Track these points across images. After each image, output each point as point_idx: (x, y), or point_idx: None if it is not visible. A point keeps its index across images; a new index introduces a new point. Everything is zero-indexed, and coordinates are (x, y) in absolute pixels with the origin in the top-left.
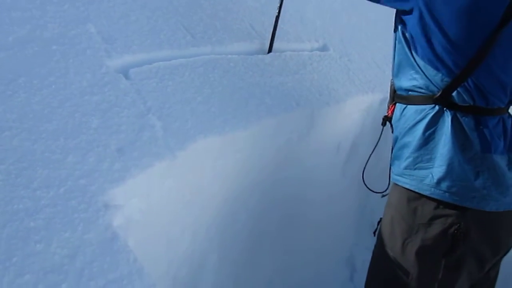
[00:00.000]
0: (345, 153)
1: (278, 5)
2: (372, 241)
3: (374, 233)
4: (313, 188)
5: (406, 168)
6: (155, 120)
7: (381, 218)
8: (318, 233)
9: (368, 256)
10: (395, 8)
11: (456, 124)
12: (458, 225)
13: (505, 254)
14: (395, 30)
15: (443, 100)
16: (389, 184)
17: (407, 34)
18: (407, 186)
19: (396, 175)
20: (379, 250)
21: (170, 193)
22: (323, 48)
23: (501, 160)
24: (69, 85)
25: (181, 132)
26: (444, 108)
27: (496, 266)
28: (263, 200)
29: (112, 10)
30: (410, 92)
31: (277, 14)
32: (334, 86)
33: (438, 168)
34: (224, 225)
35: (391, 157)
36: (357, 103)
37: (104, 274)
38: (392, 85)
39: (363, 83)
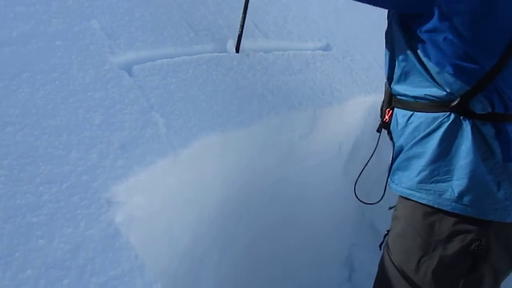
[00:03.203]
0: (346, 153)
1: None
2: (371, 242)
3: (380, 246)
4: (313, 188)
5: (420, 182)
6: (158, 117)
7: (388, 231)
8: (317, 233)
9: (367, 256)
10: (409, 11)
11: (476, 133)
12: (479, 241)
13: None
14: (395, 34)
15: (460, 108)
16: (384, 193)
17: (416, 39)
18: (424, 202)
19: (407, 189)
20: (389, 266)
21: (172, 190)
22: (326, 48)
23: None
24: (73, 81)
25: (184, 130)
26: (461, 117)
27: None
28: (264, 198)
29: (116, 6)
30: (418, 100)
31: (243, 13)
32: (337, 86)
33: (458, 181)
34: (225, 223)
35: (390, 167)
36: (359, 103)
37: (106, 270)
38: (389, 89)
39: (366, 83)
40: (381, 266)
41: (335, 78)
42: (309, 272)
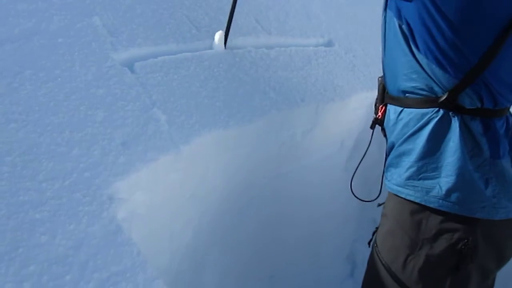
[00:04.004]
0: (348, 149)
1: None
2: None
3: (369, 243)
4: (315, 183)
5: (408, 178)
6: (160, 114)
7: (377, 228)
8: (319, 229)
9: (369, 253)
10: None
11: (464, 130)
12: (466, 240)
13: (505, 264)
14: (388, 24)
15: (448, 103)
16: (380, 191)
17: (404, 27)
18: (411, 198)
19: (396, 185)
20: (377, 264)
21: (174, 187)
22: (328, 44)
23: (506, 164)
24: (75, 78)
25: (186, 126)
26: (450, 112)
27: (495, 275)
28: (265, 194)
29: (118, 3)
30: (407, 94)
31: (231, 9)
32: (339, 82)
33: (446, 178)
34: (226, 219)
35: (385, 164)
36: (362, 99)
37: (108, 266)
38: (381, 83)
39: (368, 79)
40: (370, 263)
41: (337, 74)
42: (311, 268)
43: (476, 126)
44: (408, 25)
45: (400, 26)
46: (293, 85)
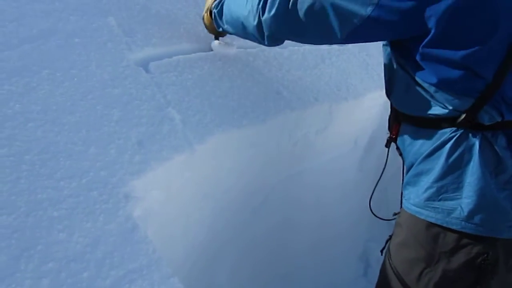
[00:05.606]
0: (362, 148)
1: None
2: (386, 237)
3: (382, 251)
4: (328, 184)
5: (428, 199)
6: (174, 114)
7: (390, 236)
8: (332, 228)
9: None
10: (404, 37)
11: (485, 147)
12: (486, 255)
13: None
14: (391, 50)
15: (467, 122)
16: (401, 207)
17: (410, 58)
18: (432, 220)
19: (414, 206)
20: (390, 274)
21: (188, 185)
22: None
23: None
24: (91, 78)
25: (200, 126)
26: (469, 131)
27: None
28: (280, 193)
29: (133, 3)
30: (422, 115)
31: None
32: (353, 81)
33: (467, 200)
34: (240, 218)
35: (402, 182)
36: (375, 98)
37: (125, 264)
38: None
39: (382, 78)
40: (382, 272)
41: (351, 73)
42: (324, 267)
43: (500, 141)
44: (414, 56)
45: (403, 59)
46: (306, 84)
